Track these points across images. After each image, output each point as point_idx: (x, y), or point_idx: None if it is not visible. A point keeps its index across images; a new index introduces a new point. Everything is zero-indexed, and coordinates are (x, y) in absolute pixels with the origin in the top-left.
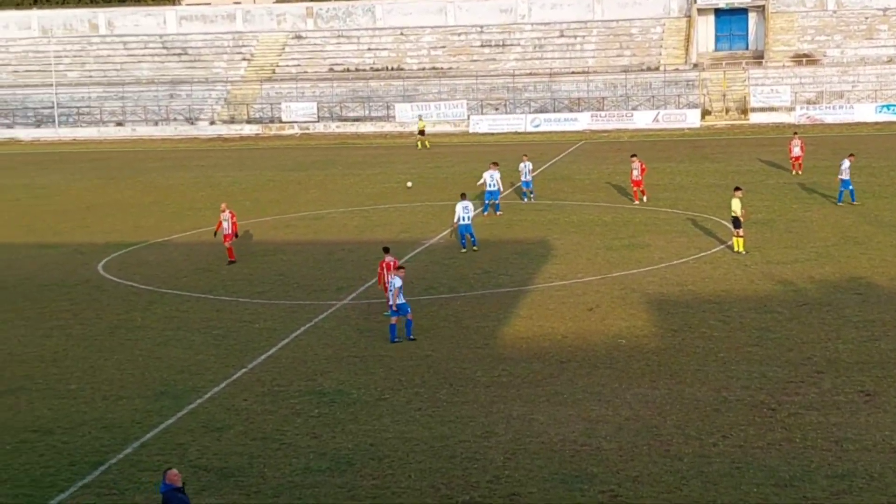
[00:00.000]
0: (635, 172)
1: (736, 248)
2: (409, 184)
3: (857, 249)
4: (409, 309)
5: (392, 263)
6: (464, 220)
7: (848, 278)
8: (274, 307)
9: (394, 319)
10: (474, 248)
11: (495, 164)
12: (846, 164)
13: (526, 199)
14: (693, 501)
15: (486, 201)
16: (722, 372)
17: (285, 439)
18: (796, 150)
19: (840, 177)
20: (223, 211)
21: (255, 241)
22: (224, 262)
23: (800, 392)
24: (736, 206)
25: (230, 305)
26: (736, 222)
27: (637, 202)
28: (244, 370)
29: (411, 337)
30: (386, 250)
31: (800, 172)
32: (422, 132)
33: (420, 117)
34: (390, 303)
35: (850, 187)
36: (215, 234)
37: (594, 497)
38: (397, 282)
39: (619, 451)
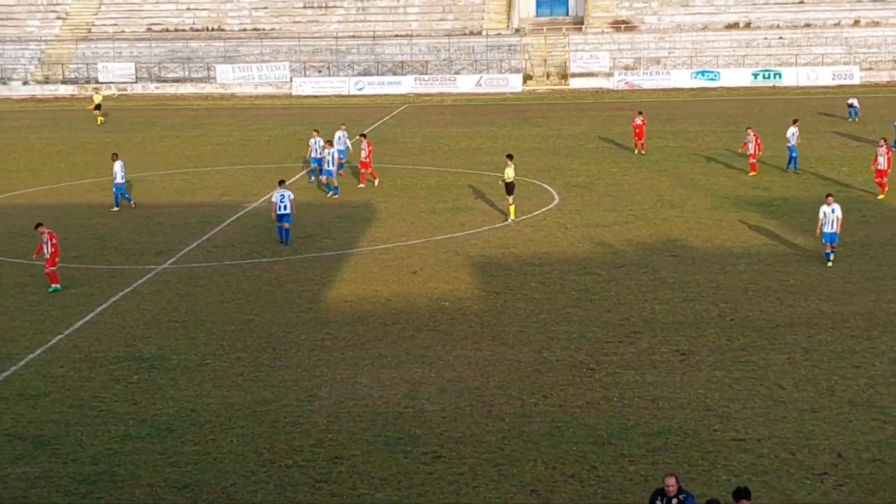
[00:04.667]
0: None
1: (511, 216)
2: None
3: (673, 212)
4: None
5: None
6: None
7: (664, 240)
8: (91, 272)
9: (287, 225)
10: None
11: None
12: (792, 130)
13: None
14: (514, 460)
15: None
16: (543, 333)
17: (103, 406)
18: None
19: (787, 144)
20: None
21: (71, 203)
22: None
23: (618, 352)
24: (509, 173)
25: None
26: (509, 188)
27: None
28: (60, 336)
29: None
30: (38, 224)
31: (643, 151)
32: (98, 107)
33: (97, 90)
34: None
35: (795, 154)
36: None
37: (417, 458)
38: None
39: (442, 413)
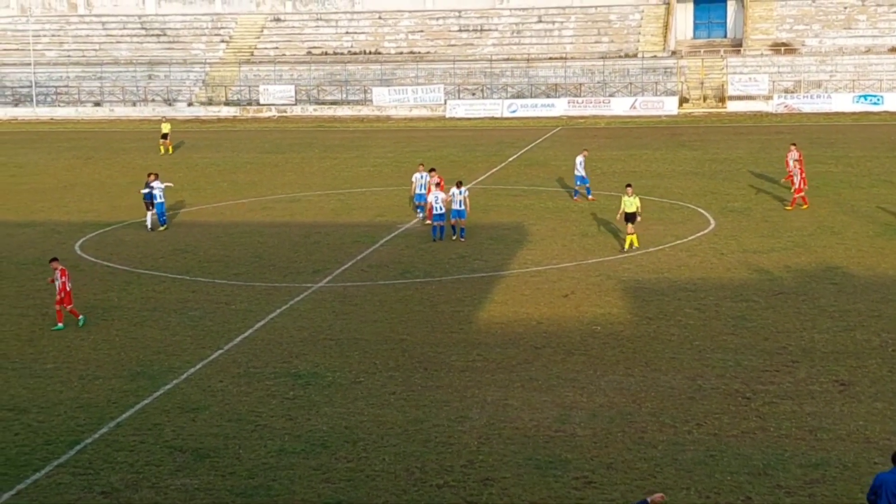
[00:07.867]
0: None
1: (627, 247)
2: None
3: (834, 239)
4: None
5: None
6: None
7: (824, 268)
8: (250, 289)
9: (440, 224)
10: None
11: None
12: None
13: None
14: (667, 489)
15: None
16: (697, 360)
17: (260, 421)
18: (793, 163)
19: None
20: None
21: (232, 222)
22: (201, 242)
23: (774, 381)
24: (634, 202)
25: (207, 286)
26: (632, 218)
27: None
28: (220, 351)
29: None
30: (52, 259)
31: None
32: (164, 136)
33: (164, 118)
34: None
35: None
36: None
37: (568, 483)
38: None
39: (593, 438)
